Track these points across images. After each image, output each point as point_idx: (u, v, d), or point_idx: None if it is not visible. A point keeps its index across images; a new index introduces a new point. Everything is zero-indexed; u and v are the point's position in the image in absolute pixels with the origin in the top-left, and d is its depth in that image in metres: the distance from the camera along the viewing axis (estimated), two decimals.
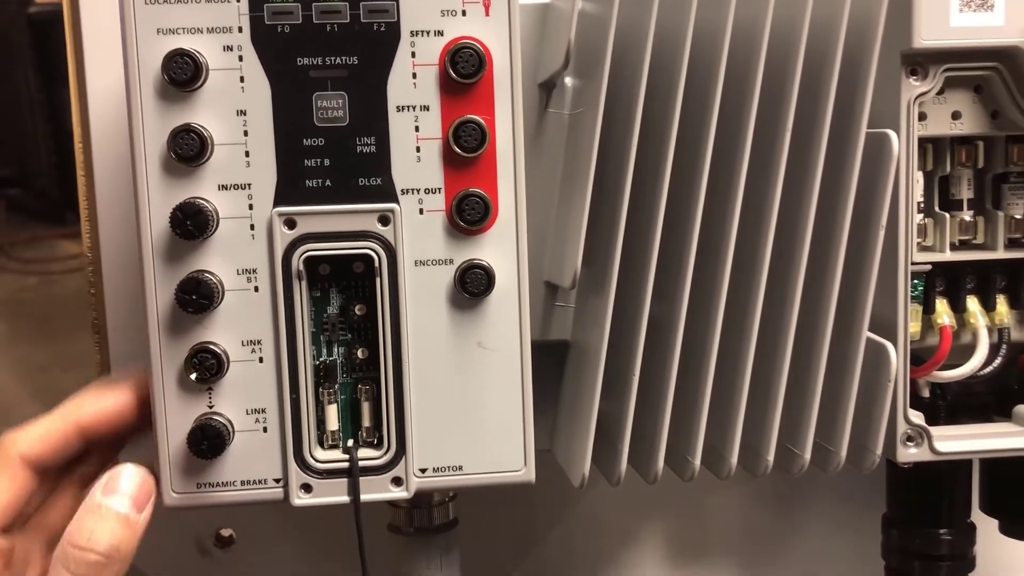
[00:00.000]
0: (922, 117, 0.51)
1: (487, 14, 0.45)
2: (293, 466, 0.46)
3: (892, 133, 0.48)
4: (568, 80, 0.51)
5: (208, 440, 0.45)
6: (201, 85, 0.44)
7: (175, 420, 0.46)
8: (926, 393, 0.55)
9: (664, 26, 0.47)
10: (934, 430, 0.52)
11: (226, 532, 0.66)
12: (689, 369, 0.48)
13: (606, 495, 0.64)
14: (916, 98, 0.50)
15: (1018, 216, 0.53)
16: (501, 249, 0.46)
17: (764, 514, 0.67)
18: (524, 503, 0.66)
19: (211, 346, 0.45)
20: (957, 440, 0.52)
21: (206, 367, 0.45)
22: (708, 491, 0.66)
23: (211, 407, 0.46)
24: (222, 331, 0.45)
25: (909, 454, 0.52)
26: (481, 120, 0.45)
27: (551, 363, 0.54)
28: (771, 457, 0.48)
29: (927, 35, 0.49)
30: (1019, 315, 0.55)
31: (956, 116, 0.52)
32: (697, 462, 0.48)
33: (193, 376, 0.45)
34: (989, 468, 0.59)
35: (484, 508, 0.63)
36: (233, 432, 0.46)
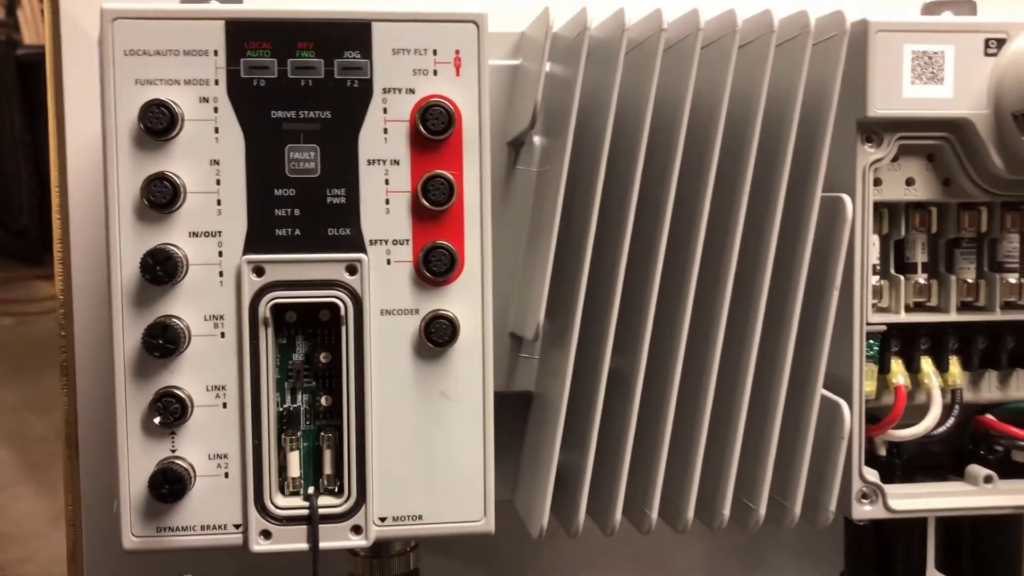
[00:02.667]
0: (878, 182, 0.53)
1: (458, 74, 0.46)
2: (253, 512, 0.46)
3: (846, 197, 0.49)
4: (536, 138, 0.53)
5: (169, 484, 0.45)
6: (176, 135, 0.45)
7: (137, 463, 0.46)
8: (883, 451, 0.56)
9: (628, 90, 0.48)
10: (889, 488, 0.53)
11: None
12: (648, 422, 0.49)
13: (570, 548, 0.64)
14: (871, 164, 0.52)
15: (969, 280, 0.55)
16: (466, 300, 0.47)
17: (726, 570, 0.68)
18: (487, 554, 0.66)
19: (176, 390, 0.45)
20: (911, 498, 0.53)
21: (170, 411, 0.45)
22: (671, 546, 0.67)
23: (174, 451, 0.46)
24: (187, 376, 0.46)
25: (864, 511, 0.53)
26: (450, 175, 0.46)
27: (515, 414, 0.55)
28: (727, 511, 0.49)
29: (881, 105, 0.51)
30: (971, 377, 0.56)
31: (910, 182, 0.54)
32: (654, 515, 0.49)
33: (157, 420, 0.45)
34: (944, 526, 0.60)
35: (446, 559, 0.63)
36: (195, 477, 0.46)
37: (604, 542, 0.53)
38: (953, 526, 0.59)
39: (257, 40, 0.45)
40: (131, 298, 0.45)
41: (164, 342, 0.45)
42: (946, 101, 0.51)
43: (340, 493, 0.47)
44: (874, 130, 0.52)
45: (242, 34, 0.45)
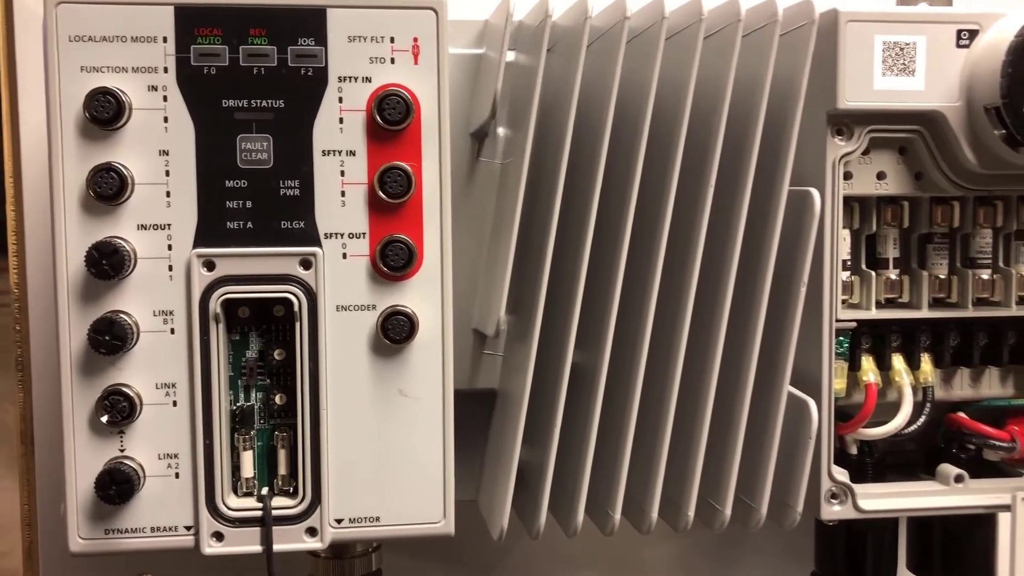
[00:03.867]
0: (848, 176, 0.52)
1: (416, 62, 0.45)
2: (205, 513, 0.45)
3: (814, 191, 0.48)
4: (500, 130, 0.51)
5: (117, 485, 0.44)
6: (124, 124, 0.44)
7: (84, 463, 0.44)
8: (853, 450, 0.55)
9: (592, 80, 0.47)
10: (859, 488, 0.52)
11: None
12: (612, 420, 0.48)
13: (539, 548, 0.63)
14: (841, 158, 0.51)
15: (942, 276, 0.54)
16: (425, 296, 0.46)
17: (697, 569, 0.67)
18: (453, 555, 0.65)
19: (124, 388, 0.44)
20: (881, 498, 0.52)
21: (118, 409, 0.44)
22: (643, 545, 0.66)
23: (122, 451, 0.45)
24: (136, 373, 0.44)
25: (833, 511, 0.52)
26: (407, 167, 0.45)
27: (479, 412, 0.54)
28: (691, 512, 0.48)
29: (851, 96, 0.50)
30: (943, 374, 0.55)
31: (881, 176, 0.53)
32: (617, 516, 0.48)
33: (104, 418, 0.44)
34: (916, 526, 0.59)
35: (410, 560, 0.62)
36: (144, 477, 0.45)
37: (576, 541, 0.52)
38: (925, 526, 0.58)
39: (207, 26, 0.44)
40: (77, 293, 0.44)
41: (111, 338, 0.43)
42: (918, 93, 0.50)
43: (295, 494, 0.46)
44: (844, 123, 0.51)
45: (192, 20, 0.44)
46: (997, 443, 0.55)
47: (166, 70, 0.44)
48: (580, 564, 0.66)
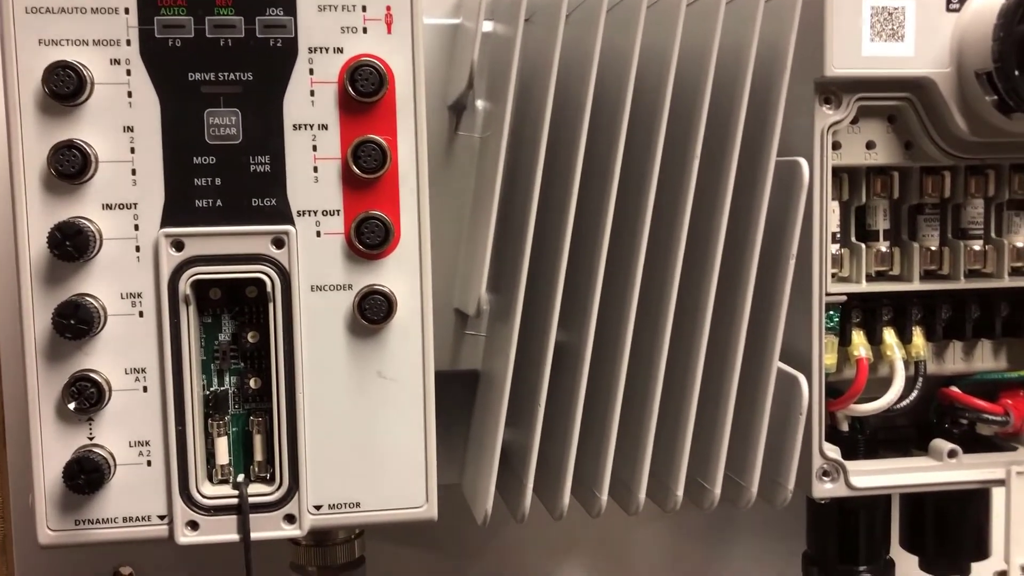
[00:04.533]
0: (836, 146, 0.51)
1: (389, 32, 0.43)
2: (178, 502, 0.43)
3: (802, 161, 0.47)
4: (479, 102, 0.50)
5: (86, 474, 0.42)
6: (85, 99, 0.42)
7: (52, 452, 0.43)
8: (845, 427, 0.54)
9: (573, 51, 0.46)
10: (850, 464, 0.51)
11: (125, 571, 0.62)
12: (597, 400, 0.47)
13: (526, 531, 0.62)
14: (830, 127, 0.50)
15: (933, 248, 0.53)
16: (403, 274, 0.44)
17: (689, 548, 0.66)
18: (438, 539, 0.63)
19: (92, 374, 0.43)
20: (873, 475, 0.51)
21: (86, 396, 0.42)
22: (632, 525, 0.65)
23: (91, 439, 0.43)
24: (104, 358, 0.43)
25: (824, 489, 0.51)
26: (382, 140, 0.43)
27: (462, 394, 0.52)
28: (680, 492, 0.47)
29: (839, 63, 0.48)
30: (935, 348, 0.54)
31: (870, 146, 0.52)
32: (604, 497, 0.47)
33: (72, 406, 0.42)
34: (909, 502, 0.58)
35: (393, 545, 0.61)
36: (114, 466, 0.43)
37: (564, 524, 0.51)
38: (918, 502, 0.57)
39: None
40: (40, 276, 0.42)
41: (76, 322, 0.42)
42: (907, 60, 0.49)
43: (272, 480, 0.44)
44: (832, 91, 0.50)
45: None
46: (991, 417, 0.54)
47: (129, 43, 0.42)
48: (568, 547, 0.65)
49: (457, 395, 0.52)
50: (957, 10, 0.49)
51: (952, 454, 0.53)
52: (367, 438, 0.45)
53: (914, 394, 0.53)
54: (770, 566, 0.65)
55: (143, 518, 0.44)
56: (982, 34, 0.48)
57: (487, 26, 0.50)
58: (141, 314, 0.43)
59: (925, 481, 0.52)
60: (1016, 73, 0.47)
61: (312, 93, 0.43)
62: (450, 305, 0.51)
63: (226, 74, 0.43)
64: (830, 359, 0.51)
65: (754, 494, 0.48)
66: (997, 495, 0.55)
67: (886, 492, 0.52)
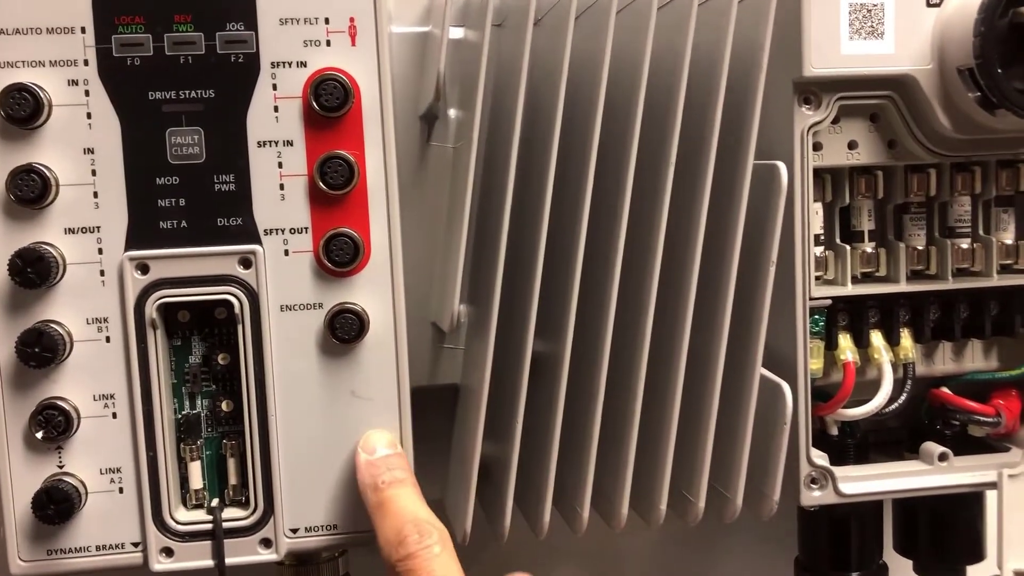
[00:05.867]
0: (818, 147, 0.50)
1: (353, 44, 0.42)
2: (152, 529, 0.43)
3: (781, 164, 0.46)
4: (451, 112, 0.49)
5: (55, 504, 0.42)
6: (43, 122, 0.41)
7: (22, 482, 0.42)
8: (834, 431, 0.53)
9: (544, 57, 0.45)
10: (839, 471, 0.50)
11: None
12: (577, 412, 0.46)
13: (516, 540, 0.61)
14: (810, 127, 0.49)
15: (919, 247, 0.52)
16: (375, 291, 0.43)
17: (680, 555, 0.65)
18: None
19: (59, 402, 0.42)
20: (862, 481, 0.50)
21: (53, 424, 0.42)
22: (622, 531, 0.64)
23: (61, 467, 0.42)
24: (71, 385, 0.42)
25: (813, 497, 0.50)
26: (349, 156, 0.42)
27: (441, 409, 0.51)
28: (663, 506, 0.46)
29: (818, 63, 0.47)
30: (924, 349, 0.53)
31: (852, 146, 0.50)
32: (586, 513, 0.46)
33: (39, 435, 0.42)
34: (901, 506, 0.57)
35: (379, 560, 0.60)
36: (86, 494, 0.42)
37: (550, 535, 0.50)
38: (910, 505, 0.56)
39: (128, 14, 0.41)
40: (2, 304, 0.41)
41: (40, 350, 0.41)
42: (887, 57, 0.48)
43: (247, 504, 0.44)
44: (812, 91, 0.48)
45: (111, 8, 0.41)
46: (982, 418, 0.53)
47: (86, 63, 0.41)
48: (555, 556, 0.64)
49: (436, 410, 0.51)
50: (938, 5, 0.48)
51: (943, 457, 0.52)
52: (342, 459, 0.44)
53: (903, 397, 0.52)
54: (762, 572, 0.64)
55: (117, 546, 0.43)
56: (963, 29, 0.47)
57: (458, 33, 0.49)
58: (108, 339, 0.42)
59: (915, 486, 0.51)
60: (998, 69, 0.46)
61: (276, 109, 0.42)
62: (428, 319, 0.50)
63: (187, 92, 0.42)
64: (817, 363, 0.50)
65: (739, 506, 0.47)
66: (991, 495, 0.54)
67: (876, 498, 0.51)
